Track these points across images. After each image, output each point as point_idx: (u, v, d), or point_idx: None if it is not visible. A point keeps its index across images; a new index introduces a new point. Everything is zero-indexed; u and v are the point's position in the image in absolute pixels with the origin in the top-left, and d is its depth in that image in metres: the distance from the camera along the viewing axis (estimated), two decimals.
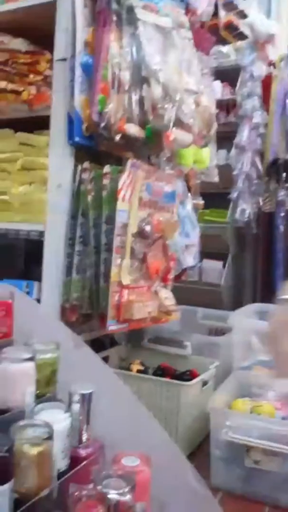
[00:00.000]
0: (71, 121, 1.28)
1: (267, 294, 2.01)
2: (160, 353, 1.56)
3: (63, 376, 0.74)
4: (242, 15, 1.70)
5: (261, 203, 2.33)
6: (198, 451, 1.39)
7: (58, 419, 0.69)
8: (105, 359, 1.46)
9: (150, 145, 1.34)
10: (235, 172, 2.35)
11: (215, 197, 2.22)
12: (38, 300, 1.33)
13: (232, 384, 1.41)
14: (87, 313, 1.32)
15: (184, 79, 1.31)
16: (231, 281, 2.62)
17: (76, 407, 0.73)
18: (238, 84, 2.29)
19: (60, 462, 0.68)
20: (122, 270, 1.22)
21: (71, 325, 1.47)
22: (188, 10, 1.48)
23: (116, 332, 1.45)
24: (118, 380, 0.78)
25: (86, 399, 0.73)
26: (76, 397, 0.73)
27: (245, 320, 1.64)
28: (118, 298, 1.25)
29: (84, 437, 0.73)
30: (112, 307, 1.23)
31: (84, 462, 0.70)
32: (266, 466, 1.15)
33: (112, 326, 1.25)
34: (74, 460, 0.70)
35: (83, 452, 0.72)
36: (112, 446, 0.72)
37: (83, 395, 0.72)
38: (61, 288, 1.32)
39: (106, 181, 1.27)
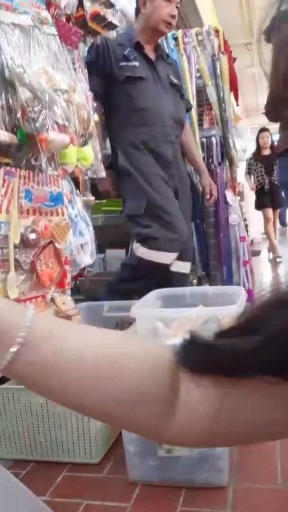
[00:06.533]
0: None
1: None
2: None
3: None
4: (108, 4, 1.68)
5: None
6: (114, 447, 1.41)
7: None
8: None
9: (26, 149, 1.29)
10: None
11: None
12: None
13: None
14: None
15: (52, 78, 1.27)
16: None
17: None
18: None
19: None
20: (8, 284, 1.17)
21: None
22: (50, 4, 1.42)
23: None
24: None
25: None
26: None
27: (147, 309, 1.67)
28: None
29: None
30: None
31: None
32: (178, 452, 1.20)
33: None
34: None
35: None
36: None
37: None
38: None
39: None
